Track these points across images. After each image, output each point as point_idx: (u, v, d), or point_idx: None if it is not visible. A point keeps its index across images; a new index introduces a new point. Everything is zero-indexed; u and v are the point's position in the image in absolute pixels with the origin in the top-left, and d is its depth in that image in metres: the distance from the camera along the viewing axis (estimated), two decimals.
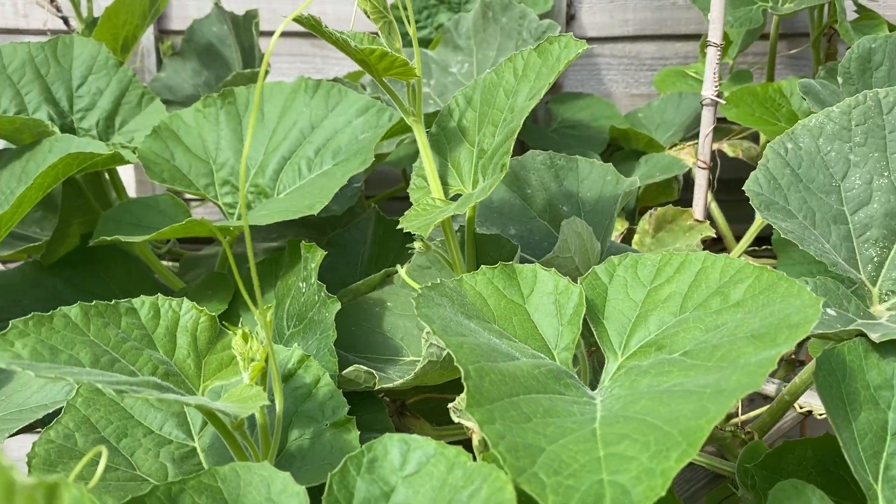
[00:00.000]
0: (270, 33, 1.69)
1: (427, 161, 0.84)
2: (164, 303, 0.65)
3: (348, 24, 1.46)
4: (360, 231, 1.08)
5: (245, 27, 1.42)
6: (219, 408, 0.51)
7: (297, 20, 0.80)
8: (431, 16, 1.65)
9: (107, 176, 1.17)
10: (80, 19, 1.28)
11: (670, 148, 1.53)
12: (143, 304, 0.65)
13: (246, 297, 0.56)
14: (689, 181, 1.52)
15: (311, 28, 0.80)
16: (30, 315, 0.60)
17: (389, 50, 0.78)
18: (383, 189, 1.69)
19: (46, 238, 1.17)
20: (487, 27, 1.50)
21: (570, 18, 1.74)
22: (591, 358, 0.84)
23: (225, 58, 1.48)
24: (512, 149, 0.73)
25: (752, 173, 0.82)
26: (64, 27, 1.65)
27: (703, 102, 1.14)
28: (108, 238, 0.90)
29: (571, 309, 0.69)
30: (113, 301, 0.65)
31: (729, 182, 1.64)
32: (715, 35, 1.10)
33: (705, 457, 0.86)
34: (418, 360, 0.86)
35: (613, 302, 0.71)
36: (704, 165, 1.17)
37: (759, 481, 0.75)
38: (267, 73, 1.31)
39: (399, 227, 0.79)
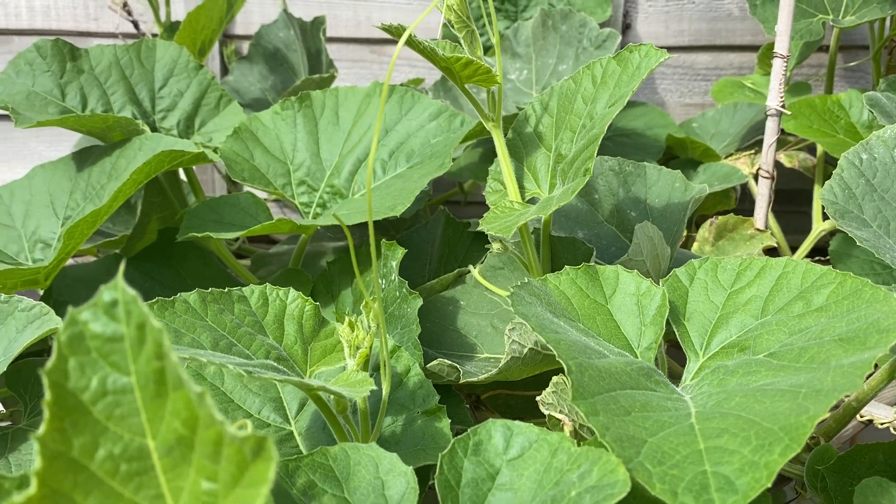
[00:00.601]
0: (331, 39, 1.73)
1: (505, 165, 0.87)
2: (271, 291, 0.69)
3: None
4: (429, 232, 1.11)
5: (312, 33, 1.46)
6: (336, 391, 0.54)
7: (386, 29, 0.83)
8: (489, 24, 1.68)
9: (183, 175, 1.22)
10: (158, 23, 1.33)
11: (726, 158, 1.54)
12: (252, 292, 0.69)
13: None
14: (745, 191, 1.53)
15: (399, 36, 0.83)
16: (154, 300, 0.64)
17: (473, 58, 0.81)
18: (436, 194, 1.73)
19: (121, 233, 1.22)
20: (547, 35, 1.52)
21: (626, 28, 1.76)
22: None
23: (291, 62, 1.53)
24: (595, 154, 0.76)
25: (827, 183, 0.84)
26: (134, 31, 1.71)
27: (768, 113, 1.16)
28: (199, 234, 0.95)
29: (654, 310, 0.71)
30: (227, 289, 0.69)
31: (784, 193, 1.65)
32: (782, 47, 1.12)
33: None
34: (493, 357, 0.89)
35: (694, 304, 0.73)
36: (768, 175, 1.18)
37: (831, 483, 0.77)
38: (334, 77, 1.35)
39: (479, 228, 0.82)
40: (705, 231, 1.26)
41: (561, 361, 0.56)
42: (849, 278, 0.67)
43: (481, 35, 1.69)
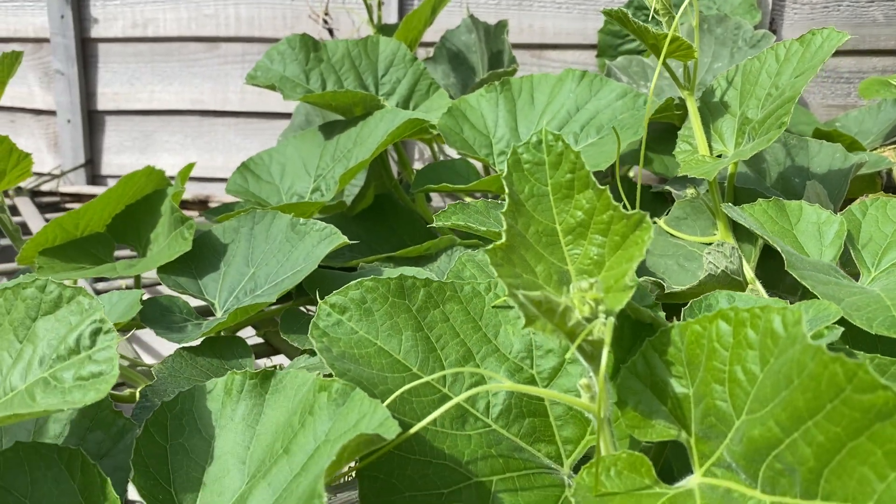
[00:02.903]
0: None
1: (697, 127, 1.08)
2: None
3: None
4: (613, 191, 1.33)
5: (495, 34, 1.71)
6: None
7: (606, 13, 1.06)
8: (690, 10, 1.89)
9: (394, 153, 1.48)
10: (371, 25, 1.61)
11: (871, 151, 1.69)
12: None
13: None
14: (889, 179, 1.67)
15: (619, 20, 1.06)
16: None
17: (678, 34, 1.03)
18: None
19: (337, 200, 1.49)
20: (703, 37, 1.72)
21: (773, 33, 1.94)
22: None
23: (470, 63, 1.78)
24: (791, 111, 0.95)
25: None
26: (329, 38, 2.01)
27: None
28: (435, 186, 1.19)
29: (833, 234, 0.90)
30: None
31: None
32: None
33: None
34: (679, 288, 1.08)
35: (866, 232, 0.92)
36: None
37: None
38: (516, 71, 1.59)
39: (681, 173, 1.02)
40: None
41: (773, 243, 0.76)
42: None
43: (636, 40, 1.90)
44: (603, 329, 0.47)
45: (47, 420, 0.76)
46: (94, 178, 2.33)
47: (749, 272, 1.01)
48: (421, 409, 0.61)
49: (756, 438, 0.47)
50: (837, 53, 1.96)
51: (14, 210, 2.06)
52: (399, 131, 1.21)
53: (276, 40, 2.24)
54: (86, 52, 2.25)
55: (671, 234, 1.15)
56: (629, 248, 0.54)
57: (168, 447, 0.61)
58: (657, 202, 1.28)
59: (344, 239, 1.03)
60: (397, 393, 0.57)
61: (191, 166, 1.27)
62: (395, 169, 1.65)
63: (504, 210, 0.55)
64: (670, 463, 0.65)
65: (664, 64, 1.07)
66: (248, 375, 0.63)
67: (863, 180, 1.64)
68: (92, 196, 2.14)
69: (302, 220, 1.06)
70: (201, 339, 0.97)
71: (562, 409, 0.64)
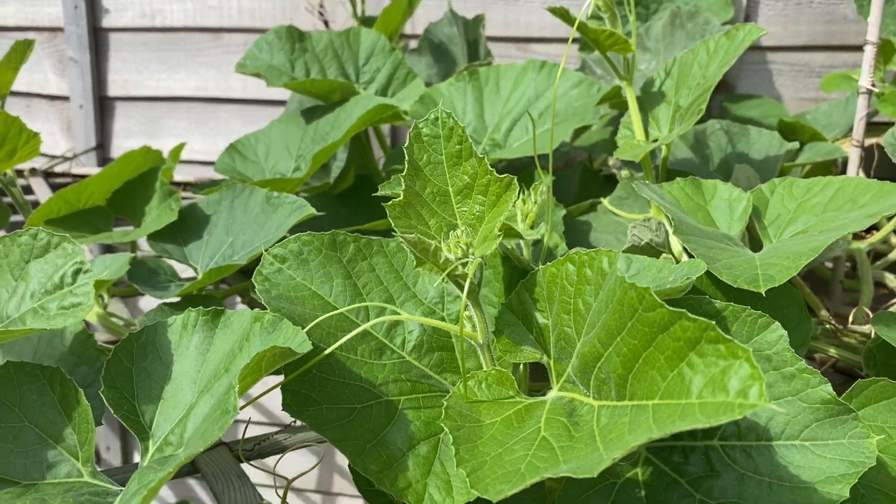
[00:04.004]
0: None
1: (634, 114, 1.19)
2: None
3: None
4: (569, 179, 1.45)
5: (473, 27, 1.83)
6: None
7: (552, 10, 1.18)
8: (623, 24, 2.00)
9: (372, 134, 1.60)
10: (355, 17, 1.73)
11: (833, 142, 1.80)
12: None
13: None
14: (845, 167, 1.77)
15: (562, 16, 1.17)
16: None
17: (614, 31, 1.15)
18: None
19: (321, 182, 1.62)
20: (675, 32, 1.83)
21: None
22: None
23: (452, 54, 1.91)
24: (707, 103, 1.07)
25: None
26: (324, 29, 2.14)
27: (860, 91, 1.42)
28: (400, 167, 1.32)
29: (741, 210, 1.02)
30: None
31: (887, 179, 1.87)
32: (872, 35, 1.39)
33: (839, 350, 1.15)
34: None
35: (773, 209, 1.03)
36: (858, 144, 1.44)
37: (879, 357, 1.04)
38: (490, 64, 1.71)
39: (615, 156, 1.14)
40: None
41: (666, 213, 0.88)
42: (887, 185, 0.95)
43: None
44: (468, 265, 0.59)
45: (42, 358, 0.90)
46: (104, 160, 2.49)
47: (677, 246, 1.12)
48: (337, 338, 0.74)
49: (586, 354, 0.59)
50: (810, 49, 2.06)
51: (28, 189, 2.21)
52: (370, 115, 1.34)
53: None
54: (98, 41, 2.40)
55: (613, 213, 1.27)
56: (501, 205, 0.66)
57: (133, 369, 0.74)
58: (608, 185, 1.40)
59: (312, 210, 1.16)
60: (318, 320, 0.70)
61: (181, 146, 1.41)
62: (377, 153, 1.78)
63: (404, 174, 0.68)
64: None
65: (606, 56, 1.18)
66: (202, 312, 0.76)
67: (818, 167, 1.75)
68: None
69: (276, 193, 1.20)
70: (180, 297, 1.11)
71: (466, 346, 0.77)
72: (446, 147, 0.68)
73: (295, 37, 1.55)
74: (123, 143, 2.46)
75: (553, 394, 0.65)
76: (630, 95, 1.19)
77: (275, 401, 1.04)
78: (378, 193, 0.93)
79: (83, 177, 2.34)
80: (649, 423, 0.52)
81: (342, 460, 2.61)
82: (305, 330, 0.68)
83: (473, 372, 0.66)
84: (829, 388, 0.66)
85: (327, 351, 0.68)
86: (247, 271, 1.41)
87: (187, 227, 1.26)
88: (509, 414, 0.61)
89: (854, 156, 1.46)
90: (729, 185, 1.05)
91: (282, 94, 2.32)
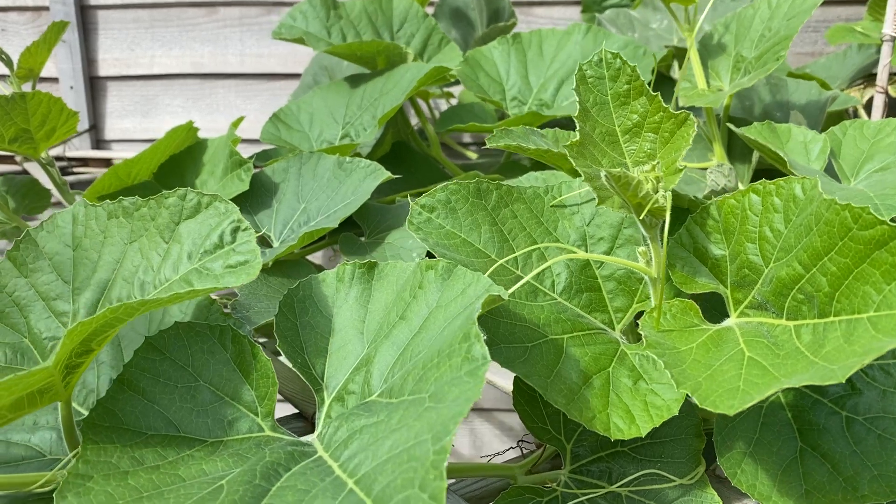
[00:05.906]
0: None
1: (696, 65, 1.23)
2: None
3: None
4: None
5: None
6: None
7: None
8: None
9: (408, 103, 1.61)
10: None
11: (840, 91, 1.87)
12: None
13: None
14: (856, 116, 1.85)
15: None
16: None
17: None
18: None
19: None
20: None
21: None
22: None
23: (470, 19, 1.92)
24: (787, 47, 1.11)
25: None
26: None
27: (884, 39, 1.49)
28: (462, 126, 1.33)
29: (818, 150, 1.07)
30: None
31: None
32: None
33: None
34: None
35: (846, 149, 1.08)
36: (882, 90, 1.52)
37: None
38: (515, 24, 1.73)
39: (687, 104, 1.18)
40: None
41: (777, 152, 0.92)
42: None
43: None
44: (664, 199, 0.62)
45: (160, 325, 0.89)
46: (98, 142, 2.42)
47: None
48: (501, 286, 0.76)
49: (783, 277, 0.63)
50: None
51: (25, 174, 2.15)
52: (426, 78, 1.34)
53: (273, 4, 2.35)
54: (85, 19, 2.33)
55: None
56: (677, 141, 0.69)
57: (297, 323, 0.75)
58: None
59: (388, 174, 1.17)
60: (491, 270, 0.72)
61: (241, 119, 1.40)
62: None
63: (576, 115, 0.70)
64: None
65: (668, 8, 1.22)
66: (357, 265, 0.77)
67: (832, 117, 1.82)
68: (97, 160, 2.25)
69: (348, 158, 1.20)
70: (272, 262, 1.11)
71: (612, 285, 0.80)
72: (612, 87, 0.71)
73: (329, 4, 1.55)
74: (117, 123, 2.40)
75: (733, 320, 0.68)
76: (691, 46, 1.23)
77: None
78: (488, 146, 0.94)
79: (78, 160, 2.29)
80: (870, 333, 0.56)
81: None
82: (486, 275, 0.70)
83: (654, 305, 0.69)
84: None
85: (519, 284, 0.70)
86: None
87: (254, 195, 1.25)
88: (704, 339, 0.64)
89: (878, 101, 1.54)
90: (803, 128, 1.10)
91: (280, 66, 2.30)
